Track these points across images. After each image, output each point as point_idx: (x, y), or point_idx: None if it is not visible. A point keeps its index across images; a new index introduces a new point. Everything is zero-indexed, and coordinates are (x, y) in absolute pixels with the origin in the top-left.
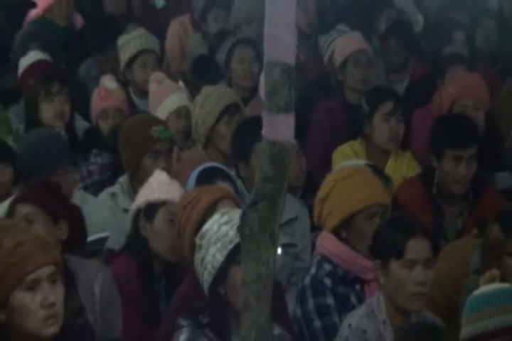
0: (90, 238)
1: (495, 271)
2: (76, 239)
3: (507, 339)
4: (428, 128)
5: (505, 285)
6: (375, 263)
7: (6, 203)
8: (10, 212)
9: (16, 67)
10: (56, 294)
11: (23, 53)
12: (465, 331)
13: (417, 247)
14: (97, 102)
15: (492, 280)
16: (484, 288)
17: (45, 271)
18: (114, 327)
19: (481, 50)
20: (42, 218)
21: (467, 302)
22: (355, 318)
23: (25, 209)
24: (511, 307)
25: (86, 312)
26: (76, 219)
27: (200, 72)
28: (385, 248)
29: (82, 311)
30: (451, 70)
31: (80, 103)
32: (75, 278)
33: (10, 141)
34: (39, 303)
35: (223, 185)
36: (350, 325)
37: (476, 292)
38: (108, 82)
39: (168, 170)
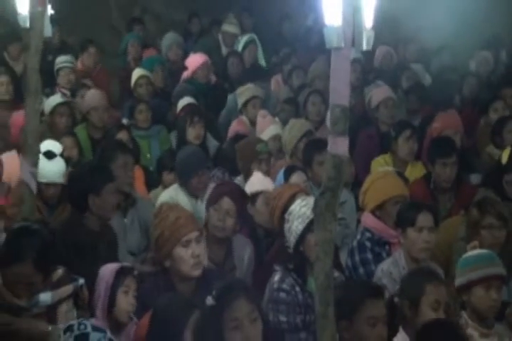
0: None
1: (476, 242)
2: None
3: (486, 285)
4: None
5: (484, 251)
6: (397, 230)
7: (171, 189)
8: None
9: (175, 107)
10: (200, 249)
11: (179, 99)
12: (458, 280)
13: (424, 219)
14: (234, 127)
15: (474, 247)
16: (470, 253)
17: (194, 234)
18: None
19: (466, 97)
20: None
21: (459, 261)
22: (385, 265)
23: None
24: (487, 264)
25: (236, 271)
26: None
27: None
28: (404, 220)
29: (234, 270)
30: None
31: (212, 129)
32: (233, 248)
33: None
34: (190, 255)
35: (298, 176)
36: (382, 270)
37: (466, 255)
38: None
39: (268, 173)
